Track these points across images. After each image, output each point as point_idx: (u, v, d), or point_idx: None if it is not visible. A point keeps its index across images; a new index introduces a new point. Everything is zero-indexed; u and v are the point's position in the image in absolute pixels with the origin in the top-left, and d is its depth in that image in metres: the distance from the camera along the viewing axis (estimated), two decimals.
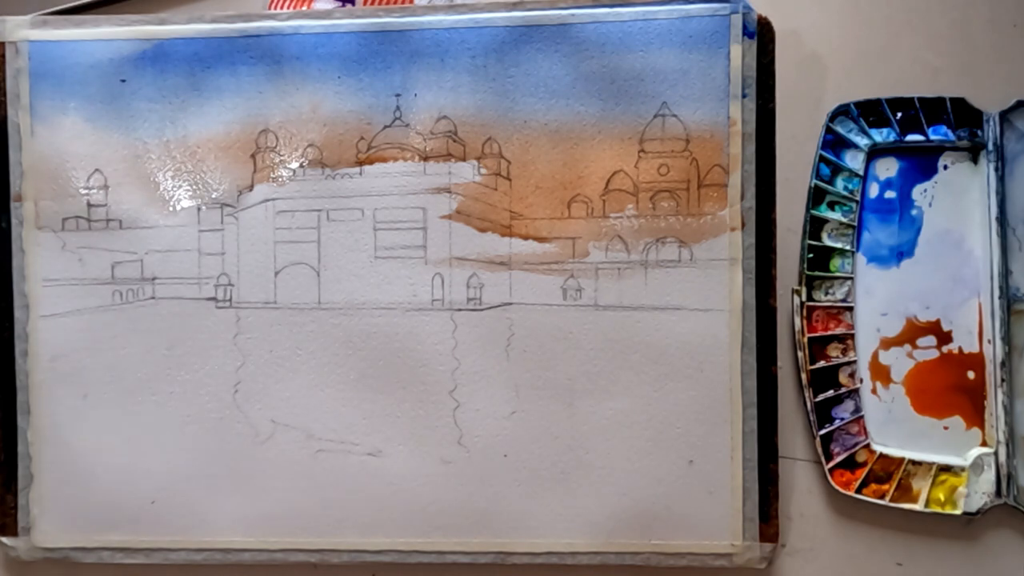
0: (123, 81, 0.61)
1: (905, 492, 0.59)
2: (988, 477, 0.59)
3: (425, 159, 0.60)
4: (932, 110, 0.60)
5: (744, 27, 0.58)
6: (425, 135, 0.60)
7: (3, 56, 0.62)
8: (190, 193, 0.61)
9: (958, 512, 0.59)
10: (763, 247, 0.59)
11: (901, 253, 0.60)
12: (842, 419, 0.60)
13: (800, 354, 0.60)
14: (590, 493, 0.59)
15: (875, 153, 0.61)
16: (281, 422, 0.61)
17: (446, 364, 0.60)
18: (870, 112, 0.60)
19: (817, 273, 0.60)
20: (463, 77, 0.60)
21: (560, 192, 0.60)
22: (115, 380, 0.62)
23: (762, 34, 0.58)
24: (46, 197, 0.62)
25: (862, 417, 0.60)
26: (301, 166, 0.61)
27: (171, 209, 0.62)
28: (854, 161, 0.60)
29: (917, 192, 0.61)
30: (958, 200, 0.60)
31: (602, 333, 0.59)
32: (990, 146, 0.60)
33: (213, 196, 0.61)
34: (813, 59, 0.62)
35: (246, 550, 0.61)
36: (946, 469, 0.59)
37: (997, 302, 0.59)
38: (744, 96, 0.58)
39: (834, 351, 0.60)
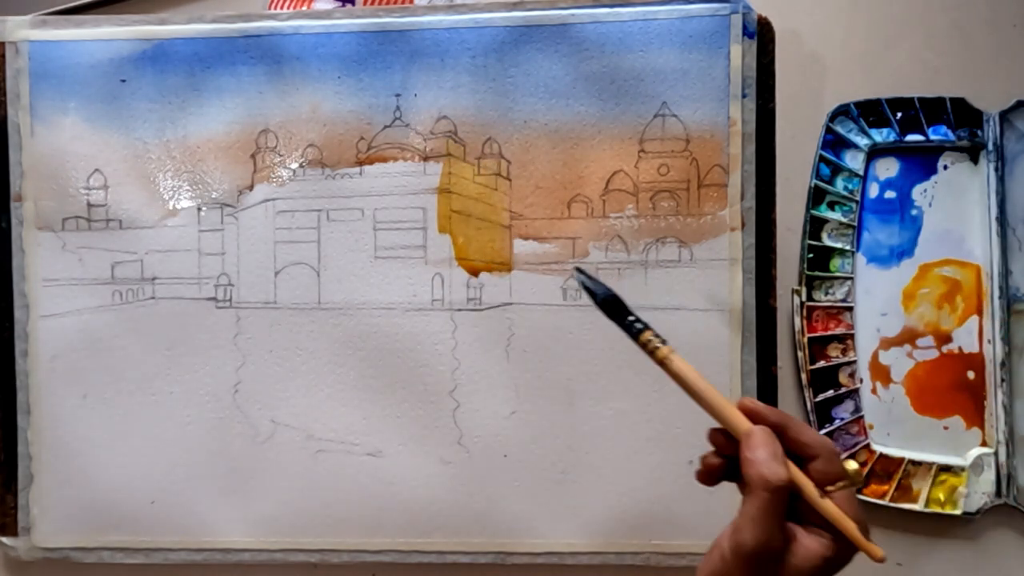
0: (123, 81, 0.61)
1: (905, 492, 0.59)
2: (988, 477, 0.59)
3: (425, 159, 0.60)
4: (932, 110, 0.60)
5: (744, 27, 0.58)
6: (425, 135, 0.60)
7: (3, 56, 0.62)
8: (190, 193, 0.61)
9: (958, 512, 0.59)
10: (763, 247, 0.59)
11: (901, 253, 0.60)
12: (842, 419, 0.60)
13: (800, 354, 0.60)
14: (590, 493, 0.59)
15: (875, 153, 0.61)
16: (281, 422, 0.61)
17: (446, 364, 0.60)
18: (870, 112, 0.60)
19: (817, 273, 0.60)
20: (463, 77, 0.60)
21: (560, 192, 0.60)
22: (115, 380, 0.62)
23: (762, 34, 0.58)
24: (46, 197, 0.62)
25: (862, 417, 0.60)
26: (301, 166, 0.61)
27: (171, 209, 0.62)
28: (854, 161, 0.60)
29: (917, 192, 0.61)
30: (958, 200, 0.60)
31: (602, 333, 0.59)
32: (990, 146, 0.59)
33: (213, 196, 0.61)
34: (813, 59, 0.62)
35: (246, 550, 0.61)
36: (946, 469, 0.59)
37: (997, 302, 0.59)
38: (744, 96, 0.58)
39: (834, 351, 0.60)
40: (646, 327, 0.41)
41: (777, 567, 0.37)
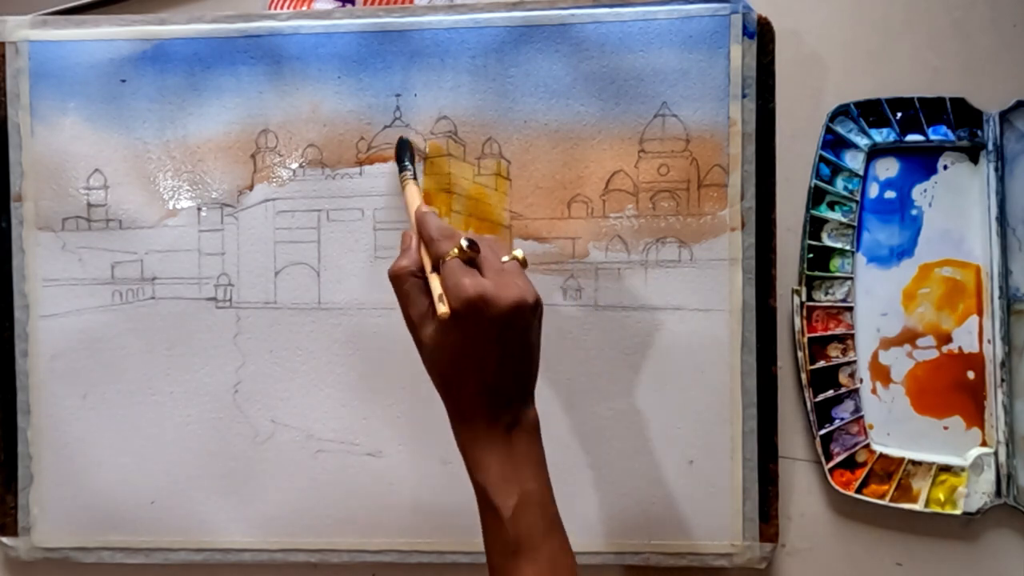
0: (123, 81, 0.61)
1: (905, 492, 0.59)
2: (988, 477, 0.59)
3: (425, 159, 0.60)
4: (932, 110, 0.60)
5: (744, 27, 0.58)
6: (425, 135, 0.60)
7: (3, 56, 0.62)
8: (190, 193, 0.61)
9: (958, 512, 0.59)
10: (763, 247, 0.59)
11: (901, 253, 0.60)
12: (842, 419, 0.60)
13: (800, 354, 0.60)
14: (590, 493, 0.59)
15: (875, 153, 0.61)
16: (281, 422, 0.61)
17: None
18: (870, 112, 0.60)
19: (817, 273, 0.60)
20: (463, 77, 0.60)
21: (560, 192, 0.60)
22: (115, 380, 0.62)
23: (762, 34, 0.58)
24: (46, 197, 0.62)
25: (862, 417, 0.60)
26: (301, 166, 0.61)
27: (171, 209, 0.62)
28: (854, 161, 0.60)
29: (917, 192, 0.61)
30: (958, 200, 0.60)
31: (602, 333, 0.59)
32: (990, 146, 0.60)
33: (213, 196, 0.61)
34: (813, 59, 0.62)
35: (246, 550, 0.61)
36: (946, 469, 0.59)
37: (997, 302, 0.59)
38: (744, 96, 0.58)
39: (834, 351, 0.60)
40: (406, 169, 0.56)
41: (421, 332, 0.47)
